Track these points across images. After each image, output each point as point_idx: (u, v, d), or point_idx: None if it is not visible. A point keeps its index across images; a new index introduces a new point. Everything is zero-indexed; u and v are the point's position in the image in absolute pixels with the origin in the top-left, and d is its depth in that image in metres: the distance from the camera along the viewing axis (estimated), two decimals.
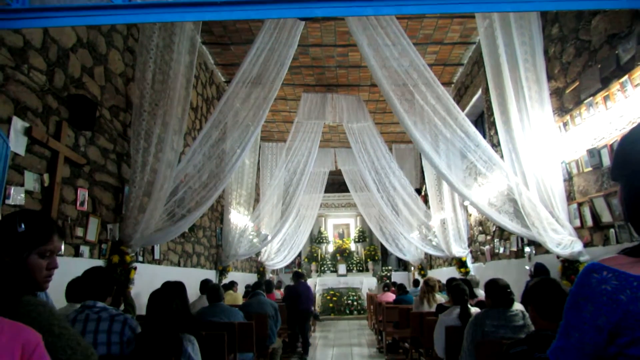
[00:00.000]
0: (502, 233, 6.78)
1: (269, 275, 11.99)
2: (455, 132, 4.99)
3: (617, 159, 1.06)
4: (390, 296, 8.19)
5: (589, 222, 4.39)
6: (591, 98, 4.23)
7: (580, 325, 0.95)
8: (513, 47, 4.63)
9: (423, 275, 11.07)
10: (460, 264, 8.26)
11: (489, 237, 7.53)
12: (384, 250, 14.44)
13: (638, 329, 0.88)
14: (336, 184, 14.88)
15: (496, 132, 5.28)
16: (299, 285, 7.42)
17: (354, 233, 16.13)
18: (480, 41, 5.70)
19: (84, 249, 4.23)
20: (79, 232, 4.17)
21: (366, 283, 13.85)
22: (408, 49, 4.96)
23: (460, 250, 8.25)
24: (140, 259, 5.40)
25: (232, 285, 7.59)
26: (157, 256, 5.93)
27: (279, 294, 9.55)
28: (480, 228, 7.97)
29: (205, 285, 5.78)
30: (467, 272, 8.02)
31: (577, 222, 4.56)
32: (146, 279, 5.22)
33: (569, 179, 4.75)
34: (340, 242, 15.99)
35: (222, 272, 8.67)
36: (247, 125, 5.92)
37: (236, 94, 5.63)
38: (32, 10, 2.22)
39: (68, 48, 4.03)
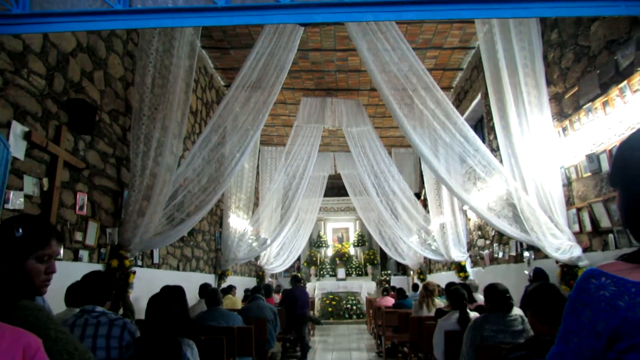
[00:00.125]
0: (501, 238, 6.78)
1: (268, 279, 11.96)
2: (454, 136, 5.00)
3: (615, 165, 1.06)
4: (390, 300, 8.17)
5: (588, 227, 4.39)
6: (590, 103, 4.24)
7: (579, 331, 0.95)
8: (512, 52, 4.65)
9: (422, 280, 11.03)
10: (460, 268, 8.25)
11: (488, 242, 7.52)
12: (383, 255, 14.43)
13: (636, 335, 0.88)
14: (335, 188, 14.86)
15: (495, 137, 5.29)
16: (296, 289, 7.40)
17: (353, 237, 16.09)
18: (479, 46, 5.72)
19: (83, 254, 4.23)
20: (78, 236, 4.17)
21: (365, 287, 13.79)
22: (407, 54, 4.97)
23: (459, 254, 8.24)
24: (140, 263, 5.39)
25: (230, 289, 7.55)
26: (156, 260, 5.92)
27: (278, 298, 9.52)
28: (480, 232, 7.96)
29: (204, 289, 5.77)
30: (466, 277, 8.00)
31: (576, 227, 4.56)
32: (145, 283, 5.20)
33: (568, 184, 4.76)
34: (340, 246, 15.95)
35: (222, 276, 8.66)
36: (246, 129, 5.92)
37: (236, 98, 5.64)
38: (32, 15, 2.23)
39: (68, 52, 4.04)
